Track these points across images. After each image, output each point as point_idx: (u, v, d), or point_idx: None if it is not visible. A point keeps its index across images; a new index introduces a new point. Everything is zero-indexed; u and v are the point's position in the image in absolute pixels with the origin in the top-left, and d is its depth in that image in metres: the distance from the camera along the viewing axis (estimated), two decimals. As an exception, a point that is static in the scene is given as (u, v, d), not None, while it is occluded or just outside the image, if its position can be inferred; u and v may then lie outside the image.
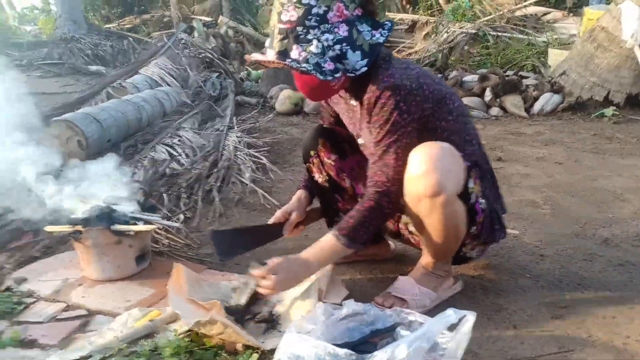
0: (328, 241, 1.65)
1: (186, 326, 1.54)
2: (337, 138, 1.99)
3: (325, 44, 1.51)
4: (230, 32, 9.18)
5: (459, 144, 1.70)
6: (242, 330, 1.56)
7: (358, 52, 1.56)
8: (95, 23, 12.31)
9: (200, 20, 9.71)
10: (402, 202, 1.68)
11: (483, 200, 1.73)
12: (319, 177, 2.02)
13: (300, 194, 2.06)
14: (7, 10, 17.16)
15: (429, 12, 9.82)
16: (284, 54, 1.53)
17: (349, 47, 1.54)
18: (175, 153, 3.70)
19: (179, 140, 4.04)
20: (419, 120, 1.63)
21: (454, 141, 1.68)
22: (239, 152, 3.73)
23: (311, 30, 1.51)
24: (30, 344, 1.66)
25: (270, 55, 1.56)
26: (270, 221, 2.00)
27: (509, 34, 7.45)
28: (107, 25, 12.47)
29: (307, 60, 1.51)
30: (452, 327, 1.30)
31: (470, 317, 1.24)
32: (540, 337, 1.64)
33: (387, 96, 1.58)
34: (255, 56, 1.62)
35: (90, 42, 9.17)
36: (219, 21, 10.14)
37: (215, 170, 3.37)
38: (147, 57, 6.53)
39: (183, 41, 7.57)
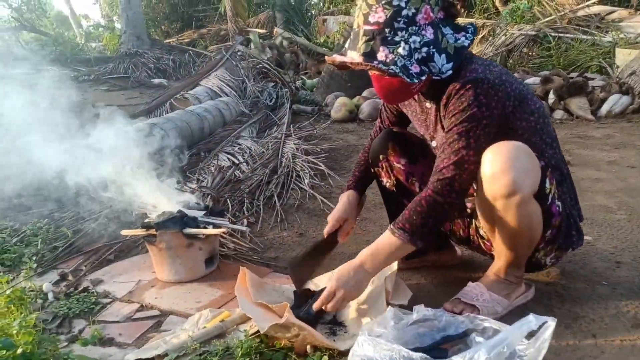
0: (384, 237, 1.61)
1: (260, 330, 1.55)
2: (407, 141, 1.95)
3: (413, 46, 1.49)
4: (285, 43, 9.35)
5: (538, 146, 1.64)
6: (318, 333, 1.57)
7: (444, 55, 1.53)
8: (157, 38, 12.86)
9: (256, 32, 9.94)
10: (466, 200, 1.63)
11: (559, 203, 1.66)
12: (387, 182, 2.00)
13: (348, 195, 1.98)
14: (74, 28, 18.26)
15: (485, 15, 9.63)
16: (370, 55, 1.50)
17: (435, 50, 1.51)
18: (236, 160, 3.79)
19: (239, 149, 4.15)
20: (499, 117, 1.57)
21: (534, 143, 1.62)
22: (297, 159, 3.77)
23: (399, 32, 1.48)
24: (108, 342, 1.74)
25: (354, 56, 1.53)
26: (325, 231, 1.94)
27: (571, 35, 7.17)
28: (167, 40, 13.01)
29: (395, 63, 1.48)
30: (529, 335, 1.26)
31: (551, 324, 1.20)
32: (621, 346, 1.55)
33: (468, 87, 1.52)
34: (339, 58, 1.58)
35: (153, 57, 9.59)
36: (274, 32, 10.36)
37: (275, 176, 3.43)
38: (207, 69, 6.75)
39: (240, 53, 7.79)
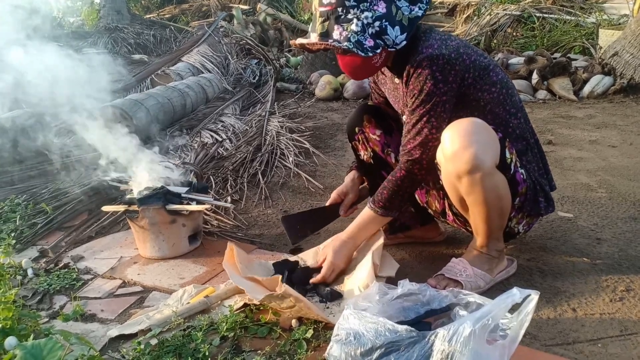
0: (366, 215, 1.79)
1: (255, 301, 1.58)
2: (383, 115, 1.99)
3: (365, 21, 1.54)
4: (269, 19, 9.20)
5: (502, 116, 1.69)
6: (313, 305, 1.58)
7: (397, 27, 1.57)
8: (137, 13, 12.54)
9: (239, 8, 9.75)
10: (434, 170, 1.70)
11: (522, 171, 1.71)
12: (364, 154, 2.03)
13: (352, 174, 2.10)
14: (51, 2, 17.70)
15: (471, -6, 9.57)
16: (325, 35, 1.57)
17: (387, 22, 1.56)
18: (219, 138, 3.75)
19: (222, 126, 4.09)
20: (459, 89, 1.62)
21: (497, 113, 1.68)
22: (281, 137, 3.74)
23: (351, 10, 1.54)
24: (90, 318, 1.72)
25: (312, 37, 1.60)
26: (328, 203, 2.09)
27: (555, 15, 7.19)
28: (148, 15, 12.69)
29: (348, 39, 1.54)
30: (512, 309, 1.27)
31: (534, 297, 1.21)
32: (601, 320, 1.59)
33: (424, 65, 1.58)
34: (300, 40, 1.66)
35: (133, 32, 9.34)
36: (257, 9, 10.17)
37: (259, 154, 3.40)
38: (188, 45, 6.61)
39: (222, 29, 7.64)
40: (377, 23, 1.55)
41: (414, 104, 1.63)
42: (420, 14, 1.60)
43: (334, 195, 2.08)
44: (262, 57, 6.70)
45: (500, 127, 1.68)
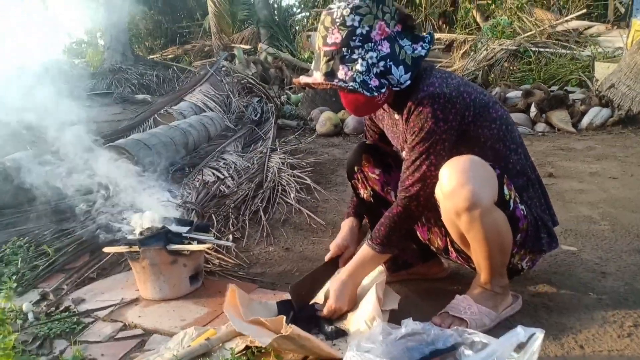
0: (365, 253, 1.77)
1: (262, 345, 1.55)
2: (381, 153, 1.99)
3: (370, 61, 1.56)
4: (269, 59, 9.38)
5: (502, 153, 1.70)
6: (323, 343, 1.56)
7: (401, 67, 1.60)
8: (140, 54, 12.82)
9: (240, 47, 9.96)
10: (434, 207, 1.70)
11: (523, 207, 1.70)
12: (364, 193, 2.02)
13: (350, 222, 2.05)
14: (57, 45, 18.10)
15: (467, 30, 9.79)
16: (331, 74, 1.59)
17: (392, 62, 1.58)
18: (221, 175, 3.77)
19: (224, 163, 4.13)
20: (459, 128, 1.63)
21: (497, 149, 1.69)
22: (283, 173, 3.76)
23: (356, 50, 1.56)
24: (90, 362, 1.69)
25: (317, 76, 1.62)
26: (327, 257, 2.00)
27: (551, 49, 7.32)
28: (151, 56, 12.97)
29: (353, 79, 1.56)
30: (517, 347, 1.25)
31: (539, 335, 1.19)
32: (609, 357, 1.55)
33: (425, 104, 1.59)
34: (303, 79, 1.68)
35: (137, 72, 9.55)
36: (258, 48, 10.39)
37: (260, 191, 3.41)
38: (191, 84, 6.74)
39: (224, 68, 7.80)
40: (381, 63, 1.57)
41: (414, 141, 1.63)
42: (423, 53, 1.63)
43: (333, 248, 1.98)
44: (263, 95, 6.81)
45: (500, 164, 1.69)
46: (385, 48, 1.58)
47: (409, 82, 1.60)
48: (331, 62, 1.58)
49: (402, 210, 1.67)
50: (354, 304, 1.79)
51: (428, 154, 1.62)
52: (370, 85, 1.56)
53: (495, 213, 1.61)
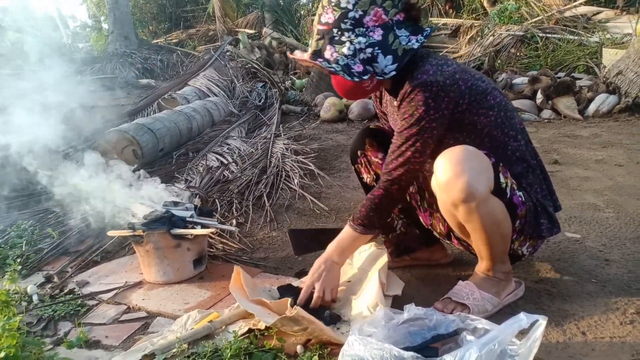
0: (346, 232, 1.78)
1: (266, 324, 1.57)
2: (385, 137, 1.98)
3: (357, 46, 1.55)
4: (274, 43, 9.32)
5: (500, 139, 1.68)
6: (327, 327, 1.57)
7: (389, 57, 1.57)
8: (144, 38, 12.76)
9: (245, 32, 9.89)
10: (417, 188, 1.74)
11: (521, 193, 1.68)
12: (367, 177, 2.03)
13: None
14: (61, 29, 18.05)
15: (473, 15, 9.68)
16: (317, 53, 1.60)
17: (380, 50, 1.56)
18: (225, 161, 3.76)
19: (228, 149, 4.12)
20: (451, 116, 1.62)
21: (495, 136, 1.67)
22: (286, 159, 3.76)
23: (346, 33, 1.56)
24: (94, 344, 1.71)
25: (306, 54, 1.63)
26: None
27: (558, 35, 7.23)
28: (155, 40, 12.91)
29: (337, 61, 1.56)
30: (520, 334, 1.25)
31: (542, 322, 1.19)
32: (611, 343, 1.55)
33: (417, 92, 1.58)
34: (296, 53, 1.69)
35: (141, 57, 9.51)
36: (262, 33, 10.32)
37: (264, 176, 3.41)
38: (195, 69, 6.70)
39: (229, 53, 7.75)
40: (369, 50, 1.56)
41: (403, 126, 1.63)
42: (416, 47, 1.60)
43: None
44: (267, 80, 6.78)
45: (498, 150, 1.67)
46: (377, 35, 1.56)
47: (393, 72, 1.58)
48: (321, 42, 1.59)
49: (383, 193, 1.69)
50: (333, 284, 1.78)
51: (415, 140, 1.61)
52: (353, 70, 1.55)
53: (492, 202, 1.60)
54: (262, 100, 6.07)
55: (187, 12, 14.57)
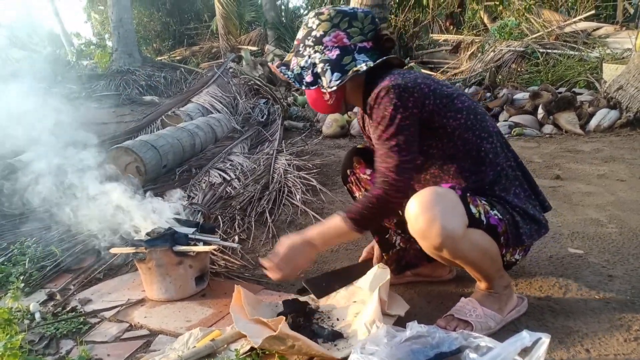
0: (334, 222, 1.72)
1: (254, 345, 1.56)
2: (372, 156, 1.98)
3: (312, 61, 1.71)
4: (276, 60, 9.40)
5: (473, 141, 1.69)
6: (313, 342, 1.56)
7: (337, 74, 1.67)
8: (148, 56, 12.89)
9: (247, 49, 9.99)
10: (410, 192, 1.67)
11: (495, 212, 1.67)
12: (359, 194, 2.06)
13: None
14: (65, 46, 18.25)
15: (474, 32, 9.76)
16: (285, 64, 1.78)
17: (329, 67, 1.68)
18: (228, 177, 3.78)
19: (230, 165, 4.14)
20: (420, 115, 1.64)
21: (467, 138, 1.69)
22: (289, 175, 3.76)
23: (307, 48, 1.72)
24: (96, 363, 1.70)
25: (276, 63, 1.81)
26: (360, 259, 2.15)
27: (559, 51, 7.28)
28: (159, 58, 13.04)
29: (293, 70, 1.73)
30: (523, 352, 1.24)
31: (545, 340, 1.18)
32: (616, 362, 1.54)
33: (382, 95, 1.63)
34: (273, 64, 1.82)
35: (144, 74, 9.59)
36: (265, 50, 10.42)
37: (266, 192, 3.41)
38: (198, 86, 6.76)
39: (231, 70, 7.82)
40: (321, 65, 1.68)
41: (380, 130, 1.64)
42: (363, 69, 1.65)
43: (364, 253, 2.17)
44: (270, 96, 6.82)
45: (472, 152, 1.69)
46: (333, 54, 1.68)
47: (334, 88, 1.66)
48: (291, 54, 1.78)
49: (381, 193, 1.64)
50: (299, 268, 1.78)
51: (397, 140, 1.60)
52: (304, 79, 1.70)
53: (472, 235, 1.61)
54: (265, 117, 6.11)
55: (191, 29, 14.76)
